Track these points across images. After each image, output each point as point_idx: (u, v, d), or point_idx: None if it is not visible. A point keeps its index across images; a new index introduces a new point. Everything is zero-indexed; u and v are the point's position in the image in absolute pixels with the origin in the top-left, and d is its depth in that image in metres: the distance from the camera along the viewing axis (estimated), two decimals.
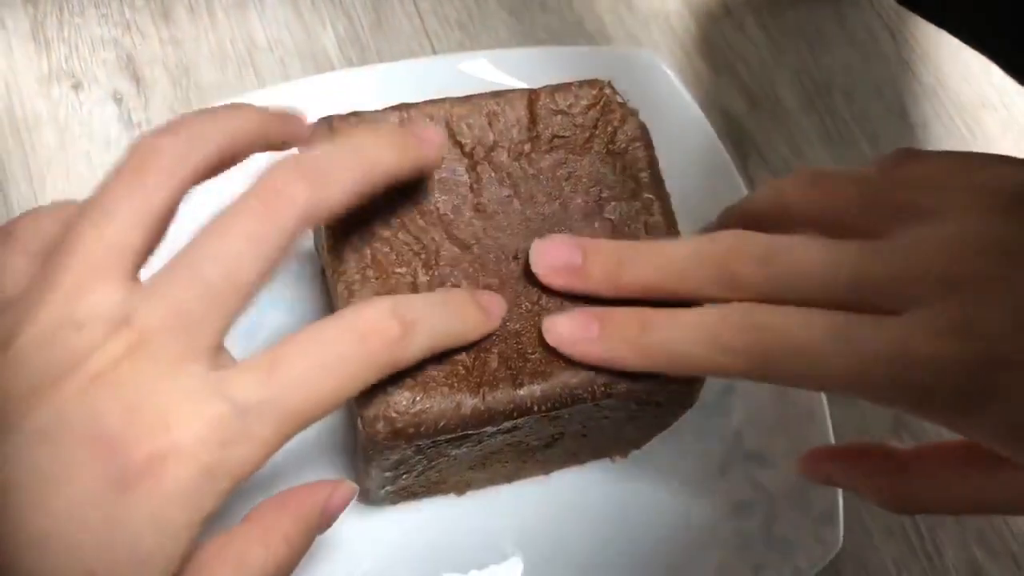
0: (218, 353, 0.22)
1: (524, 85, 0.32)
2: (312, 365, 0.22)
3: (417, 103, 0.30)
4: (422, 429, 0.26)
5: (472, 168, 0.30)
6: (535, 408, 0.27)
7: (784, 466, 0.37)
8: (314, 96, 0.39)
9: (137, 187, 0.22)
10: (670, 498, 0.36)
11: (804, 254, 0.25)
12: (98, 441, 0.20)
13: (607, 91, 0.31)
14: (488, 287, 0.28)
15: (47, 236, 0.23)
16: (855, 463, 0.29)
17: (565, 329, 0.27)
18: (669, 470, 0.37)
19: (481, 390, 0.27)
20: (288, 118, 0.26)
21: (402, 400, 0.26)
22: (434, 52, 0.47)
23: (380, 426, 0.26)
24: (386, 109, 0.30)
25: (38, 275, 0.22)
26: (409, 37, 0.47)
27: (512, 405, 0.27)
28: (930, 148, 0.41)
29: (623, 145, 0.31)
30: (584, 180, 0.30)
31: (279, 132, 0.26)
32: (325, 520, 0.25)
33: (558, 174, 0.30)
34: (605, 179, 0.30)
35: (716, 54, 0.49)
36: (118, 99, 0.44)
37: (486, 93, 0.31)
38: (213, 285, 0.22)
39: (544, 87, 0.31)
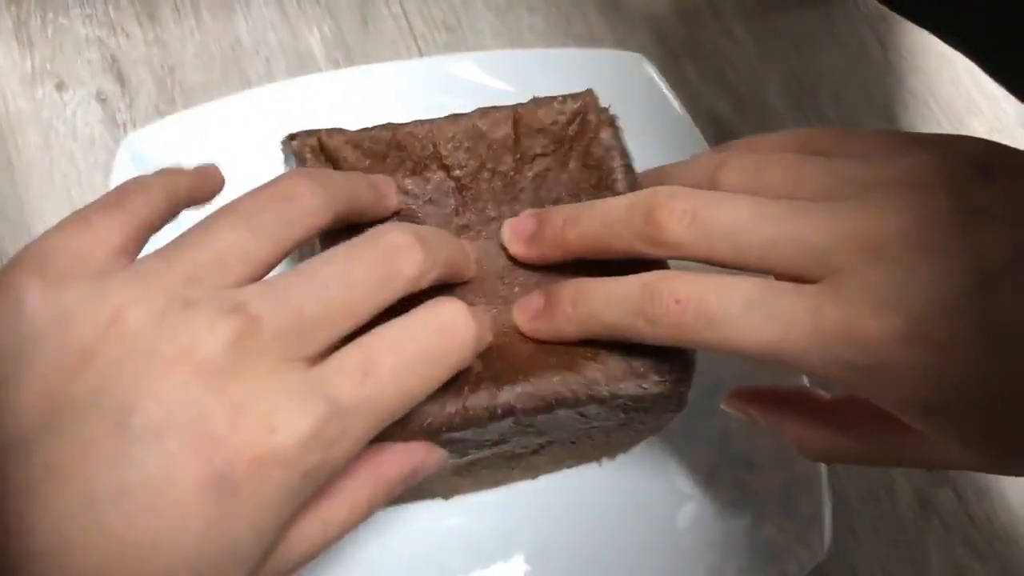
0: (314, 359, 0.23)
1: (510, 87, 0.32)
2: (402, 362, 0.23)
3: (405, 123, 0.31)
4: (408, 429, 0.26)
5: (459, 191, 0.31)
6: (518, 407, 0.27)
7: (771, 470, 0.37)
8: (299, 97, 0.39)
9: (282, 212, 0.24)
10: (657, 501, 0.36)
11: (731, 211, 0.26)
12: (203, 442, 0.20)
13: (588, 100, 0.31)
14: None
15: (156, 211, 0.24)
16: (775, 405, 0.30)
17: (522, 309, 0.29)
18: (656, 473, 0.37)
19: (464, 389, 0.27)
20: (387, 198, 0.29)
21: None
22: (420, 54, 0.46)
23: None
24: (375, 128, 0.30)
25: (155, 254, 0.22)
26: (395, 38, 0.47)
27: (495, 404, 0.27)
28: None
29: (599, 156, 0.31)
30: (565, 198, 0.31)
31: (381, 212, 0.29)
32: (412, 481, 0.26)
33: (540, 194, 0.31)
34: (583, 194, 0.31)
35: (703, 57, 0.49)
36: (102, 99, 0.43)
37: (473, 112, 0.31)
38: (334, 302, 0.23)
39: (529, 102, 0.31)
